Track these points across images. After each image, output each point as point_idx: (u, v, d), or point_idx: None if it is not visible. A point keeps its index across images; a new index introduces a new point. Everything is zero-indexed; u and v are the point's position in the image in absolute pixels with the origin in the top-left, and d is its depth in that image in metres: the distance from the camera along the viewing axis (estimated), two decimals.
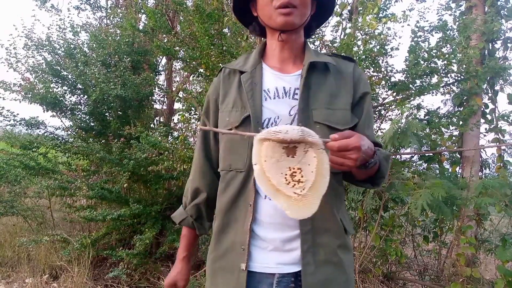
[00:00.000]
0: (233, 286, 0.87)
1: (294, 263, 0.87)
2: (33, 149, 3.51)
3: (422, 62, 2.96)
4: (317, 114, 0.90)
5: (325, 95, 0.93)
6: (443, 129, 3.34)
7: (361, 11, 3.01)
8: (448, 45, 3.08)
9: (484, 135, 3.55)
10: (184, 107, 3.48)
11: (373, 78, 3.08)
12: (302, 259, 0.86)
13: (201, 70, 3.32)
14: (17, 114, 3.54)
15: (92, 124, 3.72)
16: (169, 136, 3.78)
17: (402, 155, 3.21)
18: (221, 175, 0.97)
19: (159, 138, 3.02)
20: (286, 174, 0.74)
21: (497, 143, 3.41)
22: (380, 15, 3.15)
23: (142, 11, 4.26)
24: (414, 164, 3.34)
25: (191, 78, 4.35)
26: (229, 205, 0.92)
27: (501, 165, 3.38)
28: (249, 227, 0.88)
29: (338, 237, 0.91)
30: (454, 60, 3.09)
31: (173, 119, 4.42)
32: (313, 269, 0.86)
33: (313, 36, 2.95)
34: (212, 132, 1.05)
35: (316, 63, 0.96)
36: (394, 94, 3.12)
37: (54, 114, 3.68)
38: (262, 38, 1.08)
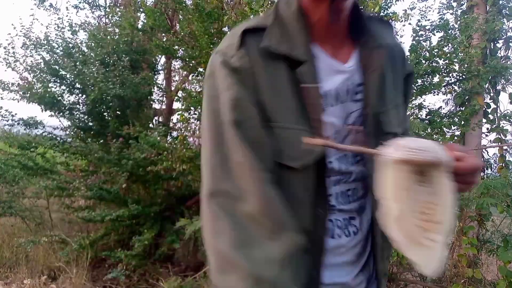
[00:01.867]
0: None
1: None
2: (31, 149, 3.49)
3: (423, 61, 2.94)
4: (387, 120, 0.65)
5: (390, 90, 0.67)
6: (444, 129, 3.32)
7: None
8: (450, 44, 3.06)
9: (486, 135, 3.53)
10: (183, 107, 3.46)
11: None
12: None
13: (201, 69, 3.30)
14: (15, 114, 3.53)
15: (91, 124, 3.70)
16: (168, 136, 3.76)
17: None
18: None
19: (158, 138, 3.00)
20: (420, 213, 0.53)
21: (499, 143, 3.39)
22: (381, 14, 3.12)
23: (141, 9, 4.23)
24: None
25: (190, 78, 4.32)
26: None
27: (503, 165, 3.36)
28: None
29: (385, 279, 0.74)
30: (455, 60, 3.08)
31: (172, 119, 4.40)
32: None
33: None
34: (259, 130, 0.58)
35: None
36: None
37: (53, 113, 3.66)
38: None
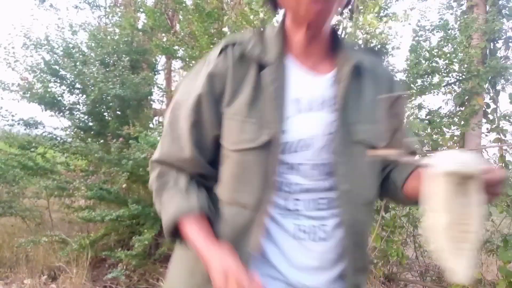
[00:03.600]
0: None
1: None
2: (32, 149, 3.49)
3: (423, 61, 2.94)
4: (361, 131, 0.71)
5: (367, 105, 0.72)
6: (444, 129, 3.32)
7: (362, 10, 2.98)
8: (450, 45, 3.06)
9: (486, 135, 3.53)
10: None
11: None
12: None
13: None
14: (15, 114, 3.53)
15: (91, 124, 3.70)
16: None
17: None
18: (219, 204, 0.73)
19: (158, 138, 3.00)
20: (459, 224, 0.56)
21: (499, 143, 3.39)
22: (381, 14, 3.13)
23: (141, 10, 4.24)
24: None
25: None
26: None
27: (503, 165, 3.36)
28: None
29: (366, 277, 0.80)
30: (455, 60, 3.08)
31: None
32: None
33: None
34: (211, 127, 0.72)
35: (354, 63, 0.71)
36: None
37: (53, 114, 3.66)
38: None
